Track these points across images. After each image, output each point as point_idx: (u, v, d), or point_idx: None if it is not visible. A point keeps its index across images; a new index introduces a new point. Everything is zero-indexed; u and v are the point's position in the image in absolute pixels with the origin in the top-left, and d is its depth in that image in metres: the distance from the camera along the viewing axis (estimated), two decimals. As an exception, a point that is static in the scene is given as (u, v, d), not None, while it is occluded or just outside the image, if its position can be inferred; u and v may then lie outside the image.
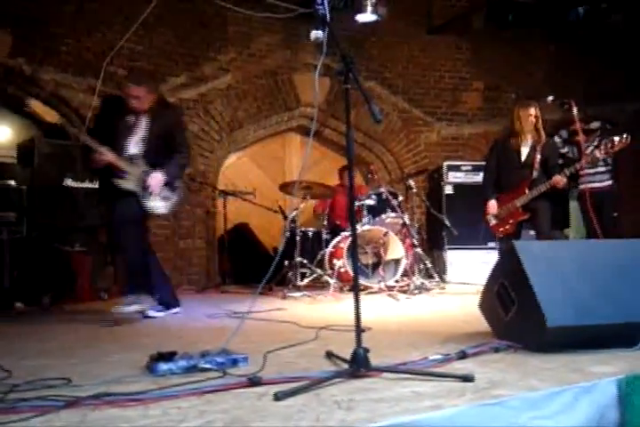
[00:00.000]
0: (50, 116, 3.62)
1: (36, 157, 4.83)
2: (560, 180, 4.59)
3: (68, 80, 5.74)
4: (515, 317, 2.53)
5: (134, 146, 3.79)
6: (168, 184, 3.81)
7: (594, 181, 5.47)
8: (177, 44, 6.41)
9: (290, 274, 5.40)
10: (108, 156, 3.63)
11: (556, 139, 5.97)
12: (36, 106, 3.63)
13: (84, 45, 5.85)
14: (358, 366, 1.98)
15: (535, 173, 4.75)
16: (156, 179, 3.72)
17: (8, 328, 3.54)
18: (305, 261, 5.47)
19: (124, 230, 3.67)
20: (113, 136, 3.76)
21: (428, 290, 5.24)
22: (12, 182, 4.78)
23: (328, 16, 2.32)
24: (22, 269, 4.66)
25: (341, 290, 5.21)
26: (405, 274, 5.32)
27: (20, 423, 1.58)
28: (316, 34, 2.35)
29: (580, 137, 5.01)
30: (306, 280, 5.46)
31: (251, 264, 6.35)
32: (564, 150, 6.07)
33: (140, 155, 3.78)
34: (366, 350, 2.01)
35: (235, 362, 2.22)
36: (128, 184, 3.71)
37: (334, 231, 5.86)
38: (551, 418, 1.77)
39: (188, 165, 4.28)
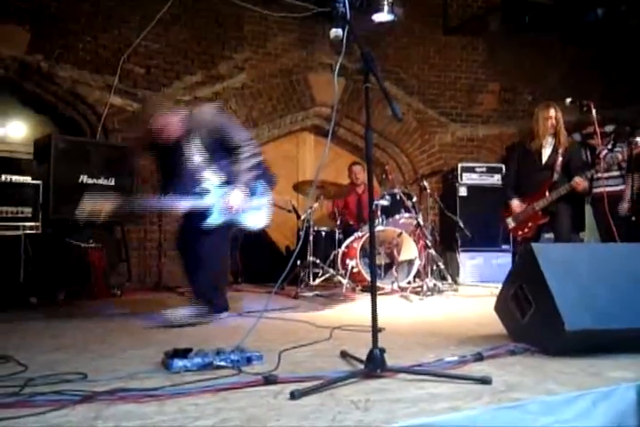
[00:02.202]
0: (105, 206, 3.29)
1: (53, 153, 4.85)
2: (581, 182, 4.53)
3: (85, 77, 5.77)
4: (532, 320, 2.50)
5: (198, 169, 3.54)
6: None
7: (608, 185, 5.41)
8: (193, 42, 6.42)
9: (302, 273, 5.39)
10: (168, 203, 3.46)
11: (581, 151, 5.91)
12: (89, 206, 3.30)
13: (100, 43, 5.88)
14: (374, 366, 1.97)
15: (556, 176, 4.70)
16: (235, 202, 3.49)
17: (23, 323, 3.55)
18: (317, 261, 5.47)
19: None
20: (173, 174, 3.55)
21: (440, 292, 5.21)
22: (28, 178, 4.80)
23: (348, 14, 2.31)
24: (37, 264, 4.69)
25: (354, 290, 5.19)
26: (418, 275, 5.29)
27: (35, 417, 1.58)
28: (335, 32, 2.33)
29: (596, 140, 4.95)
30: (318, 280, 5.45)
31: (263, 263, 6.35)
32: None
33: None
34: (382, 351, 1.99)
35: (249, 360, 2.21)
36: (217, 220, 3.51)
37: (347, 231, 5.84)
38: (569, 423, 1.75)
39: (257, 161, 3.63)
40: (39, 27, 5.48)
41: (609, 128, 5.63)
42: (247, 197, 3.56)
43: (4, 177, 4.67)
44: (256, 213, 3.65)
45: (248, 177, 3.54)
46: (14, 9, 5.34)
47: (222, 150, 3.54)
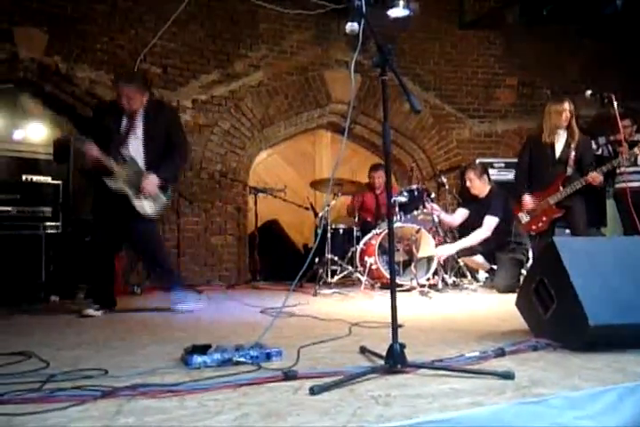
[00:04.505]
0: None
1: (72, 153, 4.89)
2: (596, 176, 4.51)
3: (103, 78, 5.82)
4: (554, 315, 2.46)
5: (131, 148, 3.79)
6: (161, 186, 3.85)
7: (632, 180, 5.33)
8: (208, 41, 6.45)
9: (320, 271, 5.38)
10: (94, 151, 3.63)
11: (593, 145, 5.83)
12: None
13: (117, 43, 5.93)
14: (394, 361, 1.95)
15: (570, 170, 4.66)
16: (151, 183, 3.76)
17: (45, 321, 3.59)
18: (336, 258, 5.46)
19: (147, 231, 3.87)
20: (108, 140, 3.75)
21: (460, 288, 5.18)
22: (48, 179, 4.86)
23: (364, 7, 2.29)
24: (58, 263, 4.74)
25: (372, 287, 5.18)
26: (437, 272, 5.25)
27: (57, 412, 1.59)
28: (351, 26, 2.31)
29: (624, 148, 4.84)
30: (336, 277, 5.44)
31: (281, 261, 6.35)
32: (598, 152, 5.94)
33: (137, 156, 3.79)
34: (402, 346, 1.98)
35: (268, 356, 2.21)
36: (116, 184, 3.72)
37: (365, 228, 5.82)
38: (595, 418, 1.71)
39: (184, 163, 4.25)
40: (57, 28, 5.53)
41: (639, 137, 5.53)
42: (159, 189, 3.83)
43: (24, 177, 4.73)
44: (151, 202, 3.83)
45: (172, 172, 3.92)
46: (32, 11, 5.39)
47: (159, 142, 3.85)
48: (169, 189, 3.93)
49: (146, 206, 3.79)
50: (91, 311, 3.70)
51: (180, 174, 4.18)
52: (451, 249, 5.26)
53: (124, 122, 3.80)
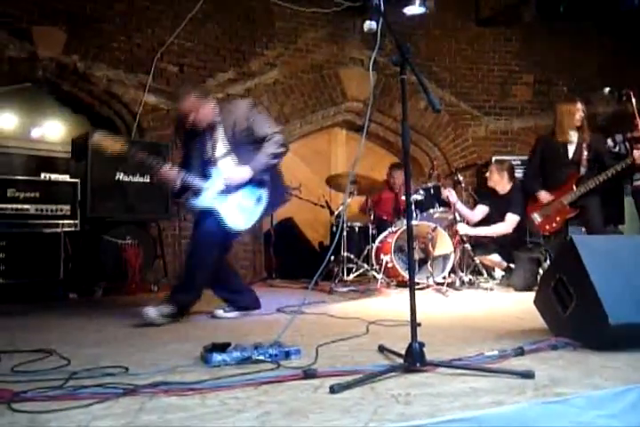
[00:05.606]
0: (115, 146, 3.31)
1: (90, 151, 4.93)
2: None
3: (120, 76, 5.85)
4: (574, 313, 2.44)
5: (224, 164, 3.46)
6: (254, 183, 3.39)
7: None
8: (225, 39, 6.47)
9: (336, 269, 5.38)
10: (170, 173, 3.37)
11: (609, 142, 5.79)
12: (100, 140, 3.33)
13: (134, 42, 5.96)
14: (414, 360, 1.95)
15: (583, 170, 4.66)
16: (233, 174, 3.36)
17: (64, 319, 3.63)
18: (351, 256, 5.46)
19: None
20: (197, 162, 3.51)
21: (476, 286, 5.15)
22: (67, 177, 4.91)
23: (382, 6, 2.29)
24: (76, 261, 4.79)
25: (388, 285, 5.17)
26: (454, 270, 5.23)
27: (80, 409, 1.60)
28: (369, 24, 2.31)
29: None
30: (352, 275, 5.44)
31: (296, 259, 6.36)
32: (615, 150, 5.89)
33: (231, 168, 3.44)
34: (422, 345, 1.97)
35: (287, 355, 2.22)
36: (202, 202, 3.41)
37: (380, 226, 5.81)
38: (617, 418, 1.70)
39: (280, 152, 3.47)
40: (75, 27, 5.57)
41: None
42: (246, 187, 3.39)
43: (43, 175, 4.78)
44: (238, 213, 3.41)
45: (263, 163, 3.38)
46: (50, 10, 5.44)
47: (247, 142, 3.45)
48: (263, 193, 3.43)
49: (239, 220, 3.38)
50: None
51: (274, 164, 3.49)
52: (470, 231, 5.28)
53: (208, 140, 3.48)
